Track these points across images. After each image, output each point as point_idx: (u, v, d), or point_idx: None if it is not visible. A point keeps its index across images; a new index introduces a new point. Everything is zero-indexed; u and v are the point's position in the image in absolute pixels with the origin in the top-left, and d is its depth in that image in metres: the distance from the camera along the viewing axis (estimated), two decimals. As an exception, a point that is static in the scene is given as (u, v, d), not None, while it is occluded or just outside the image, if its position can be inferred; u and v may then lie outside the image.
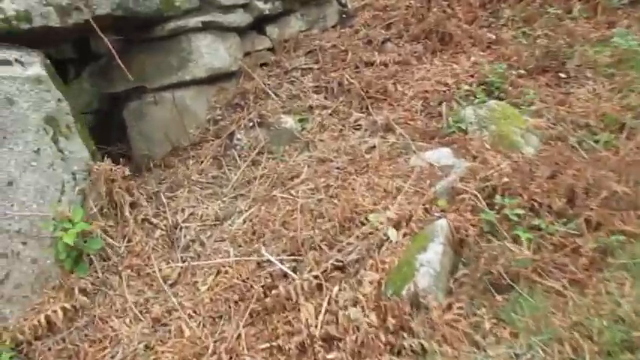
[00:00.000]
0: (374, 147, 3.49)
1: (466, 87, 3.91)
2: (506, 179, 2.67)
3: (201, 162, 3.77)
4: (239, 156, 3.70)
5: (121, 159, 4.73)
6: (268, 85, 4.31)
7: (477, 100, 3.51)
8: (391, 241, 2.50)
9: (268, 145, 3.71)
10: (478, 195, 2.65)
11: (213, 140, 3.99)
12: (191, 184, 3.51)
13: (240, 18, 4.38)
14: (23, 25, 3.00)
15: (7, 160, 2.68)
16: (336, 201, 3.03)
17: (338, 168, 3.35)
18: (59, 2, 3.15)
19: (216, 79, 4.30)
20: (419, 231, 2.50)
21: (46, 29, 3.13)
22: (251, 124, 3.82)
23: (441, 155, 3.08)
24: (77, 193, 2.95)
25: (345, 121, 3.87)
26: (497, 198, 2.61)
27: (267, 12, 4.59)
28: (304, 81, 4.37)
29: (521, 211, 2.53)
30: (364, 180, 3.13)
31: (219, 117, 4.15)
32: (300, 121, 3.83)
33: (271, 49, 4.77)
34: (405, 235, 2.50)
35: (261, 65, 4.62)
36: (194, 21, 4.03)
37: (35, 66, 2.88)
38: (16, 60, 2.84)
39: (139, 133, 4.37)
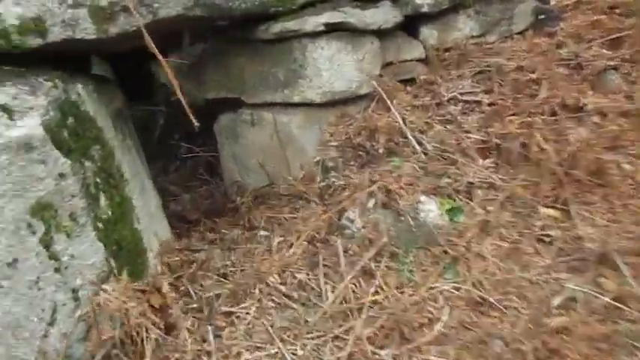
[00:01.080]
0: (574, 300, 1.97)
1: None
2: None
3: (291, 244, 2.52)
4: (345, 252, 2.38)
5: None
6: (410, 123, 2.88)
7: None
8: None
9: (393, 245, 2.33)
10: None
11: (316, 203, 2.71)
12: (265, 293, 2.28)
13: (384, 16, 2.92)
14: (32, 40, 1.90)
15: (-49, 284, 1.65)
16: None
17: (501, 338, 1.90)
18: (96, 1, 1.99)
19: (337, 102, 2.98)
20: None
21: (73, 43, 2.01)
22: (373, 200, 2.45)
23: None
24: (77, 321, 1.88)
25: (525, 221, 2.34)
26: None
27: (425, 9, 3.06)
28: (465, 125, 2.85)
29: None
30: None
31: (332, 164, 2.85)
32: (450, 211, 2.38)
33: (423, 60, 3.27)
34: None
35: (406, 82, 3.18)
36: (313, 23, 2.69)
37: (30, 117, 1.76)
38: (3, 107, 1.74)
39: (231, 155, 3.25)
